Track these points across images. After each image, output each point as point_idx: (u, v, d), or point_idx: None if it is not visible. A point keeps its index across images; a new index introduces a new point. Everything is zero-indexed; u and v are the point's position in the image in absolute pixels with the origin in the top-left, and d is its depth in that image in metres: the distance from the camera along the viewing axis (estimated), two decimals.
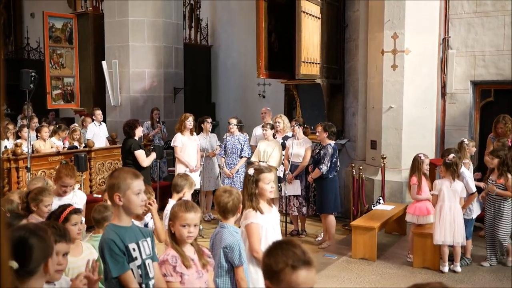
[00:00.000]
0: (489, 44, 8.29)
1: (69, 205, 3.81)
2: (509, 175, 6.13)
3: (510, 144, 6.87)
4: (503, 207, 6.18)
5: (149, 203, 4.24)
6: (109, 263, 2.83)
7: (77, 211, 3.72)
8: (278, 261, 1.95)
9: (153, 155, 8.07)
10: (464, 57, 8.48)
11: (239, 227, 3.90)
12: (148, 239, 3.08)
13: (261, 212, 3.89)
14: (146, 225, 4.41)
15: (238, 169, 8.48)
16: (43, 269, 2.27)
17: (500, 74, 8.25)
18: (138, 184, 2.97)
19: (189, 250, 3.19)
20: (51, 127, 10.20)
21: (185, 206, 3.18)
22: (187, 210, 3.15)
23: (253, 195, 3.91)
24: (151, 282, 3.03)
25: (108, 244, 2.86)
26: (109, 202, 3.43)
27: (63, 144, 9.59)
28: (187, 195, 4.58)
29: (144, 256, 2.99)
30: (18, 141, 8.74)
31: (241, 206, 3.79)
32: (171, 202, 4.39)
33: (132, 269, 2.91)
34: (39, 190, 4.32)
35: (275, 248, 2.02)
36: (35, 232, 2.30)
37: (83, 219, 5.14)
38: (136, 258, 2.94)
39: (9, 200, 4.54)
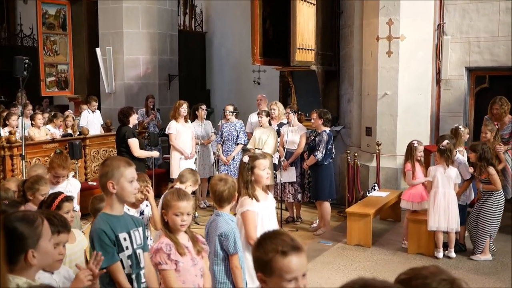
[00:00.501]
0: (484, 30, 8.26)
1: (60, 193, 3.80)
2: (490, 169, 5.96)
3: (497, 127, 6.87)
4: (489, 201, 6.06)
5: (147, 191, 4.24)
6: None
7: (68, 198, 3.71)
8: (268, 250, 1.95)
9: (154, 154, 8.09)
10: (459, 43, 8.45)
11: (235, 214, 3.90)
12: (140, 229, 3.08)
13: (257, 200, 3.88)
14: (141, 213, 4.40)
15: (234, 156, 8.49)
16: (24, 260, 2.21)
17: (495, 60, 8.23)
18: (131, 172, 2.96)
19: (183, 238, 3.19)
20: (45, 115, 10.15)
21: (178, 194, 3.18)
22: (179, 199, 3.14)
23: (249, 182, 3.90)
24: (142, 272, 3.03)
25: (98, 234, 2.86)
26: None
27: (59, 131, 9.56)
28: (189, 189, 4.56)
29: (135, 246, 2.99)
30: (6, 128, 8.67)
31: (237, 194, 3.78)
32: None
33: (122, 260, 2.91)
34: (36, 179, 4.31)
35: (263, 239, 2.02)
36: (21, 220, 2.26)
37: (78, 206, 5.15)
38: (126, 248, 2.94)
39: (5, 188, 4.53)
